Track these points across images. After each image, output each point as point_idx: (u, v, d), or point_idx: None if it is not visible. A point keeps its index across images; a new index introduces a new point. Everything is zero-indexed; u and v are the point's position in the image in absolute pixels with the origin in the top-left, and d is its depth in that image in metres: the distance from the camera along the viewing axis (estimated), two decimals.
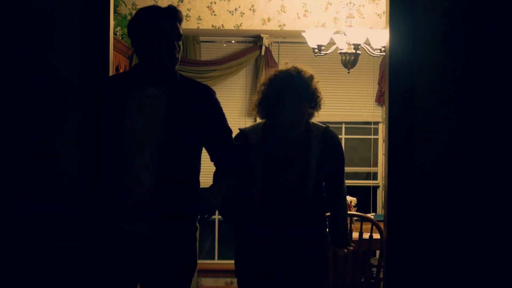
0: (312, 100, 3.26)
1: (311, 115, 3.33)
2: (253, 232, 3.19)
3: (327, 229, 3.43)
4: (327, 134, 3.33)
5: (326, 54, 5.12)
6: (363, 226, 4.52)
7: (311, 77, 3.25)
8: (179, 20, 2.69)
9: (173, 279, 2.73)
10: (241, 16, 6.03)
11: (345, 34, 4.96)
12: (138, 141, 2.66)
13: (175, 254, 2.72)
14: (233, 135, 2.98)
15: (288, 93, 3.17)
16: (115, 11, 5.20)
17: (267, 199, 3.17)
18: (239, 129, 3.31)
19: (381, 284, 4.23)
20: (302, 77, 3.21)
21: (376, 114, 6.45)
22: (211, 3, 6.00)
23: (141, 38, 2.67)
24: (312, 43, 5.06)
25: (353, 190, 6.18)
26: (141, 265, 2.69)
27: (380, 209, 6.45)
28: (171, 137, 2.67)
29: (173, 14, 2.67)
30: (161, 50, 2.65)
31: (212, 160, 2.90)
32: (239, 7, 6.02)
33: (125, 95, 2.70)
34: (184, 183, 2.71)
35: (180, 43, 2.72)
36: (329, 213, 3.48)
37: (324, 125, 3.38)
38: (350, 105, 6.47)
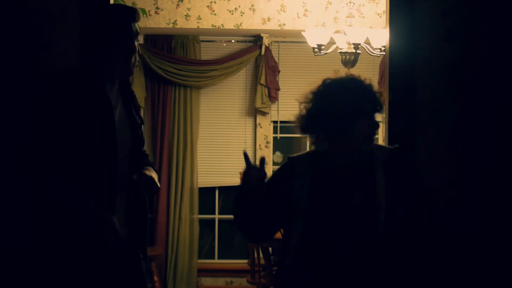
0: (374, 111, 2.43)
1: (372, 133, 2.43)
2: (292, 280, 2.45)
3: None
4: (395, 154, 2.49)
5: (326, 53, 5.12)
6: None
7: (370, 82, 2.46)
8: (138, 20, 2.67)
9: None
10: (241, 15, 6.02)
11: (345, 34, 4.96)
12: (121, 146, 2.57)
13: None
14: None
15: (339, 104, 2.38)
16: None
17: (308, 253, 2.41)
18: (288, 156, 2.62)
19: None
20: (359, 81, 2.45)
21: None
22: (211, 2, 6.00)
23: (115, 36, 2.55)
24: (312, 43, 5.06)
25: None
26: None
27: None
28: (137, 138, 2.67)
29: (137, 15, 2.64)
30: (132, 49, 2.59)
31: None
32: (239, 6, 6.02)
33: (106, 99, 2.53)
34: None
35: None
36: None
37: (393, 146, 2.57)
38: None
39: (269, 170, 6.45)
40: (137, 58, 2.63)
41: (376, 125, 2.39)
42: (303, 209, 2.41)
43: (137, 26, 2.61)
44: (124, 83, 2.68)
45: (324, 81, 2.43)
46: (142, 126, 2.78)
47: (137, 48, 2.61)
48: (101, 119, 2.50)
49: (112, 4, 2.94)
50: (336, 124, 2.36)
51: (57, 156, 2.46)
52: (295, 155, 2.59)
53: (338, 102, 2.36)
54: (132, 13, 2.61)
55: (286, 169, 2.56)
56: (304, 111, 2.48)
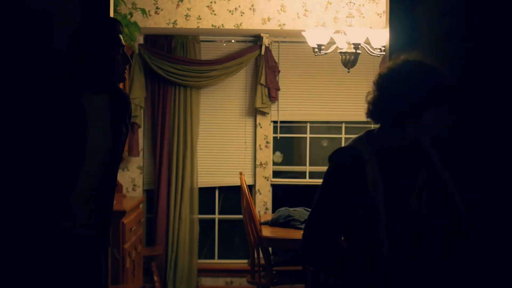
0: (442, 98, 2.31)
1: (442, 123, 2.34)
2: None
3: None
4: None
5: (326, 53, 5.12)
6: None
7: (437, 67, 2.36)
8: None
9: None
10: (241, 15, 6.02)
11: (345, 34, 4.96)
12: (90, 149, 2.70)
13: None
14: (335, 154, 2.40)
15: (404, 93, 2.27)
16: (115, 11, 5.20)
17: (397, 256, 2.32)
18: (341, 148, 2.45)
19: None
20: (426, 65, 2.34)
21: None
22: (211, 2, 6.00)
23: (99, 47, 2.64)
24: (312, 43, 5.06)
25: None
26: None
27: None
28: (115, 146, 2.78)
29: (121, 26, 2.73)
30: (118, 59, 2.68)
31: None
32: (239, 6, 6.02)
33: (80, 107, 2.67)
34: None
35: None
36: None
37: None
38: (350, 105, 6.47)
39: (269, 170, 6.45)
40: (125, 68, 2.72)
41: (445, 114, 2.28)
42: (381, 199, 2.29)
43: (121, 38, 2.68)
44: (117, 92, 2.80)
45: (390, 66, 2.33)
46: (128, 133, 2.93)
47: (119, 59, 2.67)
48: (71, 128, 2.64)
49: (96, 17, 2.97)
50: (402, 113, 2.26)
51: (23, 160, 2.65)
52: (348, 143, 2.42)
53: (402, 91, 2.26)
54: (115, 25, 2.69)
55: (352, 158, 2.36)
56: (373, 95, 2.34)
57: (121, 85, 5.47)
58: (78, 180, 2.67)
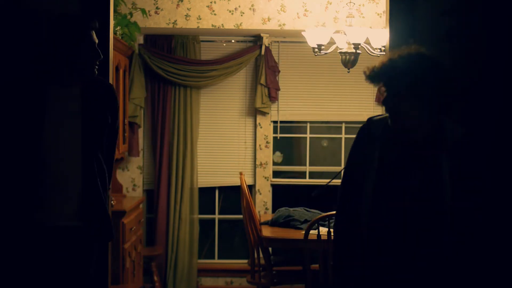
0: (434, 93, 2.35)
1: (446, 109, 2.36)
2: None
3: None
4: (467, 138, 2.42)
5: (326, 53, 5.12)
6: None
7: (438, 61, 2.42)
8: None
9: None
10: (241, 15, 6.02)
11: (345, 34, 4.96)
12: (59, 137, 2.74)
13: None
14: None
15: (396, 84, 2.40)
16: (115, 11, 5.20)
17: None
18: (368, 118, 2.58)
19: None
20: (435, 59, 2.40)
21: (376, 113, 6.44)
22: (211, 2, 6.00)
23: (65, 41, 2.71)
24: (312, 43, 5.06)
25: None
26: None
27: None
28: (93, 135, 2.79)
29: (93, 23, 2.79)
30: (86, 54, 2.75)
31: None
32: (239, 6, 6.02)
33: (39, 98, 2.74)
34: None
35: None
36: None
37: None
38: (350, 105, 6.47)
39: (269, 170, 6.45)
40: (95, 63, 2.77)
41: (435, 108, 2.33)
42: (373, 175, 2.36)
43: (93, 34, 2.74)
44: (95, 84, 2.83)
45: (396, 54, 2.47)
46: (117, 125, 2.95)
47: (86, 54, 2.73)
48: (26, 118, 2.71)
49: (66, 13, 3.01)
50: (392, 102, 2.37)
51: None
52: (376, 116, 2.56)
53: (394, 82, 2.41)
54: (84, 21, 2.75)
55: (363, 130, 2.53)
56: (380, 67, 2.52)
57: (121, 85, 5.48)
58: (36, 169, 2.70)
